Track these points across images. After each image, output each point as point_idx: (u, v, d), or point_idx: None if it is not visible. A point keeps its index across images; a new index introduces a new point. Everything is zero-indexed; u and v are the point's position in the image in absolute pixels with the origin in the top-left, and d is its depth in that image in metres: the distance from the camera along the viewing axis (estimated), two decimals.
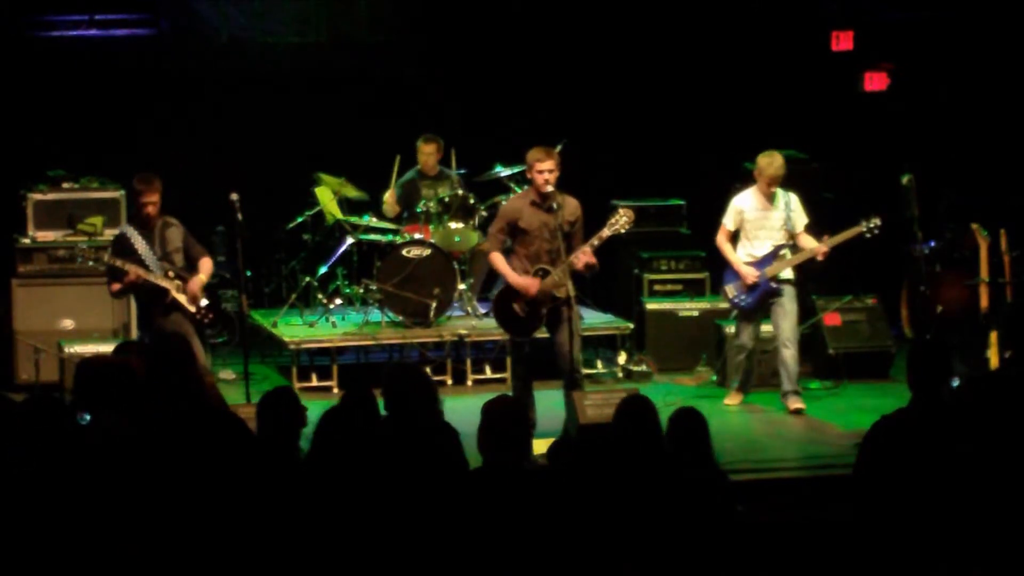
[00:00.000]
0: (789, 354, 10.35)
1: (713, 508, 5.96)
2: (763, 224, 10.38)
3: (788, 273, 10.38)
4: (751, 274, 10.32)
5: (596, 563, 5.69)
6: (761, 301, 10.38)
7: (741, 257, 10.43)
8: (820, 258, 10.26)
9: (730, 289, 10.47)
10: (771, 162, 10.30)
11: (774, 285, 10.31)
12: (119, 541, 5.55)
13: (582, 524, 5.74)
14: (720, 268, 11.34)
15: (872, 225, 10.21)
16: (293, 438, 6.15)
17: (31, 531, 5.52)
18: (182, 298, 9.57)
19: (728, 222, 10.46)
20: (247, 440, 6.08)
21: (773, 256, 10.34)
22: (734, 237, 10.51)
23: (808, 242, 10.32)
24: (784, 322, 10.34)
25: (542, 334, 9.61)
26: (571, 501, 5.81)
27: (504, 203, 9.80)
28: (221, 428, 6.09)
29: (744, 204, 10.43)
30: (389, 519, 5.75)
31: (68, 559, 5.50)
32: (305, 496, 5.82)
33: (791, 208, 10.37)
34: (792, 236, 10.37)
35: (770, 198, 10.37)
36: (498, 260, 9.54)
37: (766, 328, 10.63)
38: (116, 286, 9.67)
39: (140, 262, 9.54)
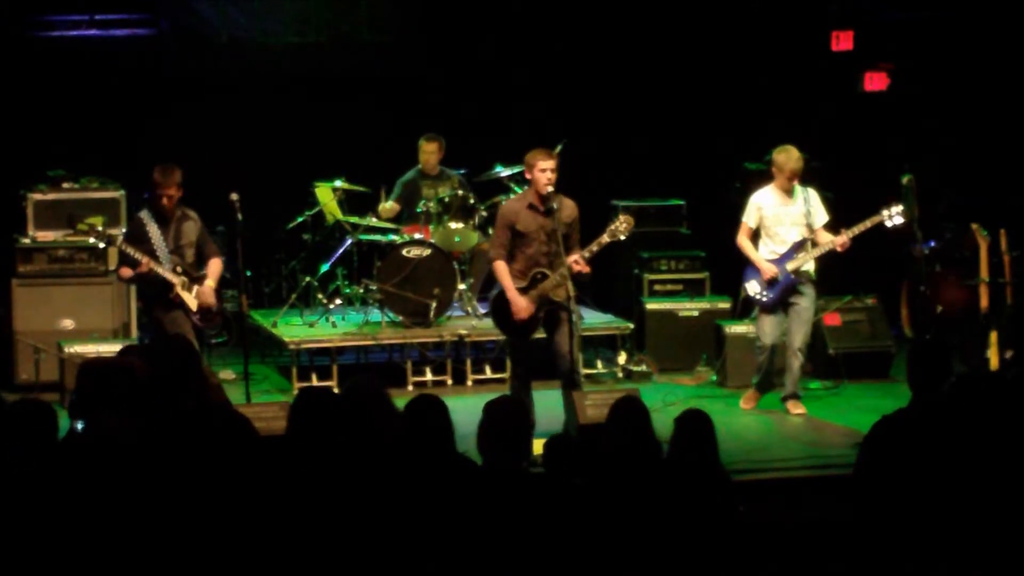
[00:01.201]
0: (798, 364, 10.33)
1: (715, 508, 5.96)
2: (782, 220, 10.30)
3: (810, 266, 10.33)
4: (770, 269, 10.24)
5: (596, 563, 5.69)
6: (783, 295, 10.28)
7: (763, 255, 10.34)
8: (840, 249, 10.13)
9: (751, 286, 10.38)
10: (788, 156, 10.20)
11: (794, 277, 10.25)
12: (117, 542, 5.55)
13: (581, 524, 5.74)
14: (720, 268, 11.37)
15: (893, 212, 10.15)
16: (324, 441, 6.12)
17: (23, 532, 5.52)
18: (186, 296, 9.55)
19: (748, 220, 10.36)
20: (250, 440, 6.07)
21: (795, 251, 10.26)
22: (754, 235, 10.43)
23: (826, 237, 10.23)
24: (799, 330, 10.26)
25: (540, 334, 9.61)
26: (571, 501, 5.81)
27: (502, 207, 9.78)
28: (223, 428, 6.08)
29: (763, 201, 10.34)
30: (388, 518, 5.75)
31: (63, 561, 5.50)
32: (302, 495, 5.82)
33: (810, 203, 10.28)
34: (812, 231, 10.29)
35: (789, 193, 10.30)
36: (501, 271, 9.48)
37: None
38: (126, 272, 9.62)
39: (151, 251, 9.50)
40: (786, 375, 10.41)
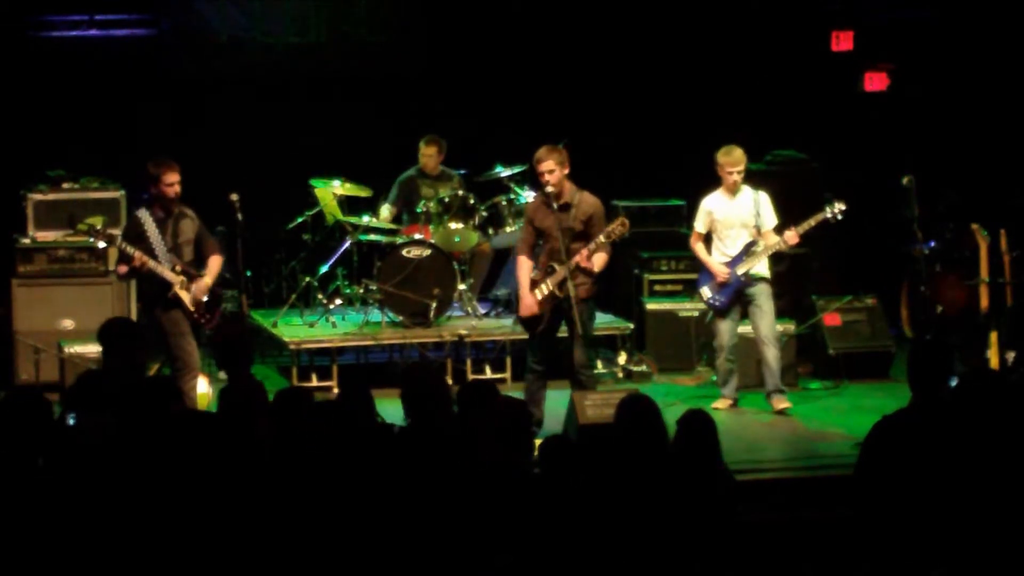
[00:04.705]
0: (771, 354, 10.38)
1: (716, 509, 5.96)
2: (732, 223, 10.43)
3: (763, 271, 10.41)
4: (721, 272, 10.38)
5: (595, 562, 5.69)
6: (734, 298, 10.42)
7: (715, 258, 10.49)
8: (789, 245, 10.29)
9: (704, 291, 10.56)
10: (727, 157, 10.36)
11: (743, 280, 10.34)
12: (104, 540, 5.56)
13: (581, 523, 5.74)
14: None
15: (837, 211, 10.26)
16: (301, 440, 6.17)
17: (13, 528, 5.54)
18: (184, 296, 9.51)
19: (698, 224, 10.57)
20: (226, 441, 6.06)
21: (744, 253, 10.39)
22: (707, 240, 10.57)
23: (774, 238, 10.36)
24: (762, 322, 10.38)
25: (563, 332, 9.69)
26: (571, 500, 5.82)
27: (527, 205, 10.00)
28: (205, 430, 6.08)
29: (712, 205, 10.51)
30: (387, 516, 5.75)
31: (52, 557, 5.51)
32: (300, 493, 5.83)
33: (760, 205, 10.41)
34: (759, 234, 10.39)
35: (738, 194, 10.42)
36: (520, 266, 9.66)
37: (744, 329, 10.64)
38: (123, 268, 9.58)
39: (149, 250, 9.46)
40: (763, 370, 10.44)
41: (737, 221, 10.43)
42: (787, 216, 10.61)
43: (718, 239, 10.53)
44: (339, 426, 6.21)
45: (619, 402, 6.33)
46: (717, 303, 10.48)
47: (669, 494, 5.91)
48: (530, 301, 9.49)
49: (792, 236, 10.23)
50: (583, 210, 9.48)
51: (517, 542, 5.65)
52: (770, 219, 10.44)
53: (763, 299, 10.40)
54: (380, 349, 11.81)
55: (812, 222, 10.27)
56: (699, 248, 10.57)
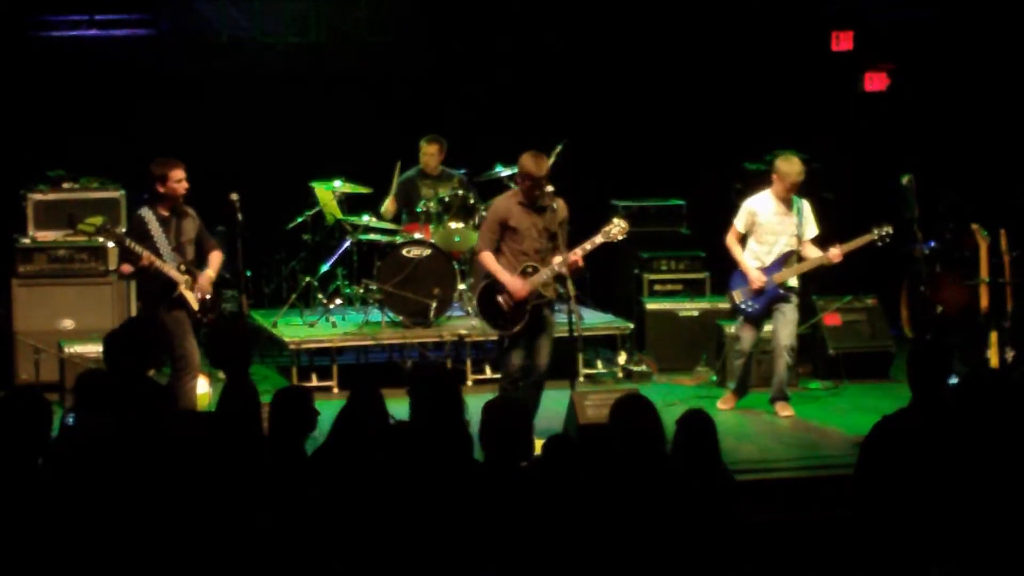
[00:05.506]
0: (783, 363, 10.33)
1: (715, 509, 5.96)
2: (774, 229, 10.31)
3: (794, 281, 10.34)
4: (759, 279, 10.27)
5: (596, 562, 5.69)
6: (767, 307, 10.34)
7: (747, 259, 10.34)
8: (832, 262, 10.15)
9: (737, 294, 10.38)
10: (791, 167, 10.19)
11: (781, 291, 10.28)
12: (104, 540, 5.57)
13: (580, 522, 5.74)
14: (721, 268, 11.37)
15: (884, 233, 10.17)
16: (301, 439, 6.18)
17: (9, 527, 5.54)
18: (189, 295, 9.46)
19: (739, 223, 10.38)
20: (225, 440, 6.07)
21: (782, 262, 10.27)
22: (743, 239, 10.43)
23: (813, 251, 10.26)
24: (784, 330, 10.29)
25: None
26: (570, 500, 5.82)
27: (494, 203, 9.78)
28: (204, 431, 6.09)
29: (757, 207, 10.35)
30: (390, 514, 5.76)
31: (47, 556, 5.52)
32: (309, 492, 5.84)
33: (803, 215, 10.29)
34: (800, 243, 10.29)
35: (787, 203, 10.31)
36: (488, 259, 9.43)
37: (766, 329, 10.62)
38: (127, 268, 9.49)
39: (155, 249, 9.43)
40: (773, 376, 10.42)
41: (779, 227, 10.29)
42: None
43: (756, 242, 10.33)
44: (345, 426, 6.21)
45: (614, 403, 6.31)
46: (750, 309, 10.34)
47: (668, 494, 5.90)
48: (520, 283, 9.26)
49: (837, 254, 10.11)
50: (560, 214, 9.40)
51: (517, 542, 5.65)
52: (811, 229, 10.31)
53: (789, 308, 10.29)
54: (380, 349, 11.81)
55: (860, 242, 10.15)
56: (736, 248, 10.38)
